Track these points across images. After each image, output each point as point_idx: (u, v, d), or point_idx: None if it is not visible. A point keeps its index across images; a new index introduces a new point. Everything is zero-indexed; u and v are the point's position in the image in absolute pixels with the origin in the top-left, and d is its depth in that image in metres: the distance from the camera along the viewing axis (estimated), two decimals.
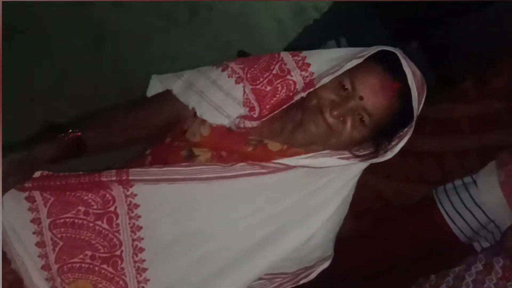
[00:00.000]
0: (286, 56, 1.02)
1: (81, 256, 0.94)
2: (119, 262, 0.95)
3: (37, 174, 0.91)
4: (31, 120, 1.10)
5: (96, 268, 0.94)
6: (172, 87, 1.03)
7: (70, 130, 0.93)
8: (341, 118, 0.94)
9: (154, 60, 2.04)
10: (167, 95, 1.04)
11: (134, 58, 2.04)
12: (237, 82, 1.01)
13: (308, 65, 1.00)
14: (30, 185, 0.90)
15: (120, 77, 1.88)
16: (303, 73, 1.00)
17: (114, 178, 0.91)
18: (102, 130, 0.99)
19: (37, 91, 1.56)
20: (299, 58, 1.02)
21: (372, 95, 0.92)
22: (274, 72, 1.01)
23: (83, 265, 0.94)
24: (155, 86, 1.08)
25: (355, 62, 0.93)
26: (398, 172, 2.04)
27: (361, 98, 0.93)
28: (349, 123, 0.94)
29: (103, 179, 0.91)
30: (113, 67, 1.87)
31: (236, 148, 0.98)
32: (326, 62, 0.99)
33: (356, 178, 1.03)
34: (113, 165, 0.99)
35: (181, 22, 2.49)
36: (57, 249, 0.93)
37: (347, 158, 0.98)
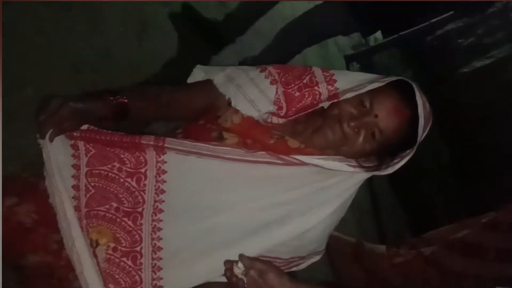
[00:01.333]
0: (317, 70, 1.16)
1: (107, 206, 1.06)
2: (139, 218, 1.06)
3: (84, 126, 1.04)
4: (75, 90, 1.23)
5: (118, 220, 1.06)
6: (214, 77, 1.17)
7: (119, 96, 1.06)
8: (356, 130, 1.07)
9: None
10: (208, 84, 1.18)
11: (171, 49, 2.19)
12: (272, 83, 1.14)
13: (335, 81, 1.14)
14: (78, 134, 1.03)
15: (156, 65, 2.03)
16: (329, 87, 1.14)
17: (151, 143, 1.04)
18: (147, 102, 1.13)
19: (83, 63, 1.70)
20: (328, 74, 1.16)
21: (386, 115, 1.06)
22: (304, 81, 1.15)
23: (107, 214, 1.06)
24: (198, 75, 1.22)
25: (376, 85, 1.07)
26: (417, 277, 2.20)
27: (376, 116, 1.07)
28: (362, 135, 1.07)
29: (143, 141, 1.04)
30: (151, 55, 2.02)
31: (260, 138, 1.11)
32: (351, 81, 1.13)
33: (358, 186, 1.16)
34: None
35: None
36: (88, 195, 1.05)
37: (354, 166, 1.11)
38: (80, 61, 1.68)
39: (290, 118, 1.12)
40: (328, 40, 3.98)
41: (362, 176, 1.14)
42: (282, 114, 1.12)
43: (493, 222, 2.18)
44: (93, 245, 1.04)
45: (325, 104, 1.11)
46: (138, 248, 1.06)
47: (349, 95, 1.08)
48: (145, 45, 2.01)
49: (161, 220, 1.07)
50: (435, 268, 2.30)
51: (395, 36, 4.33)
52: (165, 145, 1.04)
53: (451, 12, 4.71)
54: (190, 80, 1.24)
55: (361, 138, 1.08)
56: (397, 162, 1.11)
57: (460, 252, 2.22)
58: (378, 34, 5.13)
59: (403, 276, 2.34)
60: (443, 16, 4.78)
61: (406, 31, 4.09)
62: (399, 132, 1.07)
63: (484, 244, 2.17)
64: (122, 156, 1.06)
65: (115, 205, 1.06)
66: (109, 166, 1.05)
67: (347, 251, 2.46)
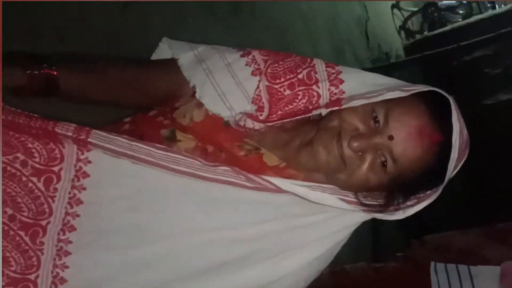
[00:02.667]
0: (319, 64, 0.85)
1: None
2: (41, 234, 0.76)
3: None
4: None
5: (11, 233, 0.75)
6: (180, 56, 0.86)
7: (45, 65, 0.77)
8: (360, 153, 0.76)
9: None
10: (171, 64, 0.87)
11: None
12: (253, 74, 0.84)
13: (341, 81, 0.83)
14: None
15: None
16: (333, 88, 0.83)
17: (70, 134, 0.74)
18: (88, 79, 0.83)
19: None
20: (333, 71, 0.85)
21: (405, 138, 0.74)
22: (300, 76, 0.84)
23: None
24: (163, 51, 0.91)
25: (398, 94, 0.75)
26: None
27: (390, 137, 0.75)
28: (367, 162, 0.76)
29: (58, 130, 0.74)
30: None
31: (226, 146, 0.80)
32: (364, 85, 0.82)
33: (352, 229, 0.84)
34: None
35: (221, 18, 2.37)
36: None
37: (350, 202, 0.79)
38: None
39: (272, 124, 0.81)
40: (346, 48, 3.71)
41: (359, 217, 0.82)
42: (261, 118, 0.82)
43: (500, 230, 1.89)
44: None
45: (323, 111, 0.81)
46: (32, 277, 0.76)
47: (357, 102, 0.76)
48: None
49: (70, 242, 0.76)
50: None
51: (420, 54, 4.05)
52: (89, 139, 0.74)
53: (481, 38, 4.43)
54: (154, 56, 0.94)
55: (365, 166, 0.76)
56: (412, 206, 0.79)
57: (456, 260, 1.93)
58: (400, 51, 4.86)
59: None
60: (472, 41, 4.50)
61: (432, 51, 3.80)
62: (420, 164, 0.75)
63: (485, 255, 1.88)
64: (30, 145, 0.75)
65: (10, 212, 0.76)
66: (10, 157, 0.75)
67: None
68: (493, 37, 4.32)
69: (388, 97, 0.75)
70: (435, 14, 5.27)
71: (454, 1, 5.20)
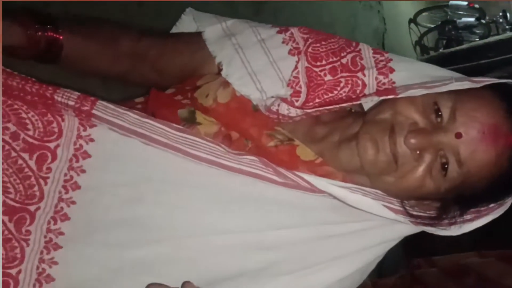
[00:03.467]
0: (365, 49, 0.74)
1: None
2: (28, 221, 0.64)
3: None
4: None
5: None
6: (206, 29, 0.75)
7: (50, 27, 0.66)
8: (418, 152, 0.63)
9: None
10: (194, 38, 0.76)
11: None
12: (291, 53, 0.72)
13: (391, 70, 0.71)
14: None
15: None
16: (381, 77, 0.71)
17: (72, 103, 0.62)
18: (97, 46, 0.72)
19: None
20: (383, 58, 0.73)
21: (476, 138, 0.62)
22: (343, 61, 0.72)
23: None
24: (186, 23, 0.80)
25: (468, 85, 0.63)
26: None
27: (458, 135, 0.62)
28: (424, 164, 0.63)
29: (57, 97, 0.62)
30: None
31: (253, 134, 0.68)
32: (418, 76, 0.70)
33: (393, 244, 0.72)
34: None
35: (242, 17, 2.30)
36: None
37: (395, 211, 0.67)
38: None
39: (309, 112, 0.69)
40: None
41: (403, 230, 0.70)
42: (297, 104, 0.69)
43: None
44: None
45: (370, 101, 0.68)
46: (13, 271, 0.63)
47: (416, 92, 0.64)
48: None
49: (62, 233, 0.64)
50: None
51: (448, 68, 3.95)
52: (94, 111, 0.62)
53: (497, 58, 4.34)
54: (175, 29, 0.82)
55: (421, 168, 0.63)
56: (470, 220, 0.66)
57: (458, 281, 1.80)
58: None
59: None
60: (488, 60, 4.41)
61: (461, 65, 3.70)
62: (491, 170, 0.62)
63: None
64: (23, 115, 0.64)
65: None
66: None
67: None
68: (509, 58, 4.23)
69: (454, 88, 0.63)
70: (452, 32, 5.17)
71: (473, 20, 5.10)
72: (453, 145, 0.62)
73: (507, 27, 5.36)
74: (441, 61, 4.67)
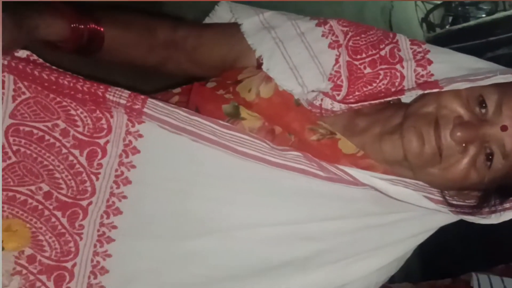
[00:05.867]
0: (403, 40, 0.74)
1: (32, 187, 0.65)
2: (81, 216, 0.66)
3: (22, 53, 0.63)
4: None
5: (46, 213, 0.65)
6: (244, 21, 0.75)
7: (90, 18, 0.67)
8: (464, 144, 0.65)
9: None
10: (232, 29, 0.76)
11: None
12: (331, 46, 0.72)
13: (429, 62, 0.72)
14: (7, 62, 0.62)
15: None
16: (419, 69, 0.72)
17: (124, 102, 0.63)
18: (135, 37, 0.73)
19: None
20: (420, 49, 0.73)
21: None
22: (382, 53, 0.73)
23: (30, 200, 0.65)
24: (221, 13, 0.80)
25: (511, 78, 0.64)
26: None
27: (504, 128, 0.63)
28: (469, 156, 0.65)
29: (109, 96, 0.63)
30: None
31: (296, 128, 0.70)
32: (457, 68, 0.71)
33: (431, 233, 0.74)
34: None
35: None
36: (4, 164, 0.64)
37: (435, 202, 0.69)
38: None
39: (350, 106, 0.70)
40: None
41: (443, 219, 0.72)
42: (338, 98, 0.70)
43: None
44: None
45: (415, 94, 0.70)
46: (69, 265, 0.66)
47: (461, 85, 0.65)
48: None
49: (115, 227, 0.66)
50: None
51: (456, 46, 3.93)
52: (145, 109, 0.63)
53: (506, 35, 4.31)
54: (209, 20, 0.83)
55: (466, 160, 0.65)
56: (509, 208, 0.68)
57: None
58: None
59: None
60: (496, 37, 4.38)
61: (469, 43, 3.69)
62: None
63: None
64: (72, 112, 0.65)
65: (45, 188, 0.65)
66: (49, 124, 0.65)
67: None
68: None
69: (499, 81, 0.64)
70: (459, 8, 5.12)
71: None
72: (499, 137, 0.64)
73: None
74: (449, 39, 4.62)
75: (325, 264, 0.69)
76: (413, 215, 0.70)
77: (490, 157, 0.64)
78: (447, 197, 0.70)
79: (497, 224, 0.70)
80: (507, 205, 0.69)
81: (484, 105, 0.65)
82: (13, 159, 0.64)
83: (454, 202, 0.70)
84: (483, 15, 5.08)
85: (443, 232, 0.75)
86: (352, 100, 0.71)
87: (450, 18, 5.29)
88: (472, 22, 4.87)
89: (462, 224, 0.72)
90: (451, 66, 0.71)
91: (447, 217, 0.71)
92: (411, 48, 0.74)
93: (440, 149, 0.65)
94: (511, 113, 0.64)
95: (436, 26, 5.28)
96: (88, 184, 0.65)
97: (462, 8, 5.15)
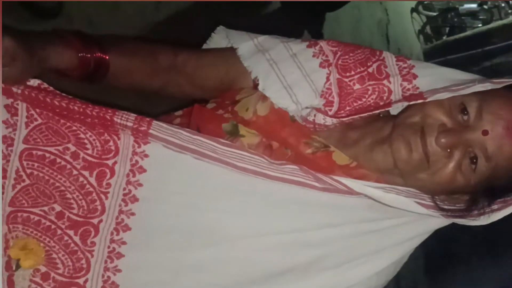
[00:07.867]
0: (389, 57, 0.79)
1: (45, 208, 0.69)
2: (92, 233, 0.69)
3: (34, 81, 0.68)
4: None
5: (59, 232, 0.69)
6: (240, 46, 0.80)
7: (96, 47, 0.72)
8: (448, 150, 0.69)
9: None
10: (228, 53, 0.81)
11: None
12: (321, 66, 0.77)
13: (414, 76, 0.77)
14: (20, 91, 0.67)
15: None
16: (405, 83, 0.76)
17: (130, 124, 0.67)
18: (138, 63, 0.78)
19: None
20: (405, 65, 0.78)
21: (502, 133, 0.67)
22: (370, 70, 0.77)
23: (43, 221, 0.69)
24: (218, 40, 0.85)
25: (490, 86, 0.69)
26: None
27: (485, 132, 0.68)
28: (454, 160, 0.69)
29: (117, 119, 0.67)
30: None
31: (292, 143, 0.74)
32: (440, 80, 0.75)
33: (425, 237, 0.78)
34: None
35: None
36: (19, 187, 0.69)
37: (427, 207, 0.72)
38: None
39: (342, 120, 0.74)
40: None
41: (435, 223, 0.75)
42: (330, 113, 0.75)
43: None
44: (11, 267, 0.68)
45: (401, 106, 0.74)
46: (81, 281, 0.70)
47: (443, 95, 0.69)
48: None
49: (124, 243, 0.70)
50: None
51: (441, 59, 4.00)
52: (151, 131, 0.67)
53: (503, 44, 4.37)
54: (206, 46, 0.88)
55: (452, 164, 0.69)
56: (498, 210, 0.72)
57: None
58: (420, 55, 4.79)
59: None
60: (494, 46, 4.43)
61: (453, 56, 3.77)
62: None
63: None
64: (82, 135, 0.69)
65: (58, 208, 0.69)
66: (60, 148, 0.69)
67: None
68: None
69: (478, 89, 0.68)
70: (455, 19, 5.20)
71: (475, 6, 5.12)
72: (481, 141, 0.68)
73: (509, 11, 5.37)
74: (446, 49, 4.70)
75: (326, 270, 0.73)
76: (407, 220, 0.74)
77: (475, 160, 0.68)
78: (438, 202, 0.73)
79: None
80: (495, 206, 0.72)
81: (465, 112, 0.69)
82: (27, 181, 0.69)
83: (445, 207, 0.73)
84: (479, 25, 5.16)
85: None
86: (343, 115, 0.75)
87: (447, 29, 5.37)
88: (468, 32, 4.95)
89: None
90: (435, 78, 0.75)
91: (439, 221, 0.74)
92: (397, 64, 0.78)
93: (427, 155, 0.69)
94: (491, 118, 0.68)
95: (433, 37, 5.37)
96: (98, 203, 0.69)
97: (458, 18, 5.23)
